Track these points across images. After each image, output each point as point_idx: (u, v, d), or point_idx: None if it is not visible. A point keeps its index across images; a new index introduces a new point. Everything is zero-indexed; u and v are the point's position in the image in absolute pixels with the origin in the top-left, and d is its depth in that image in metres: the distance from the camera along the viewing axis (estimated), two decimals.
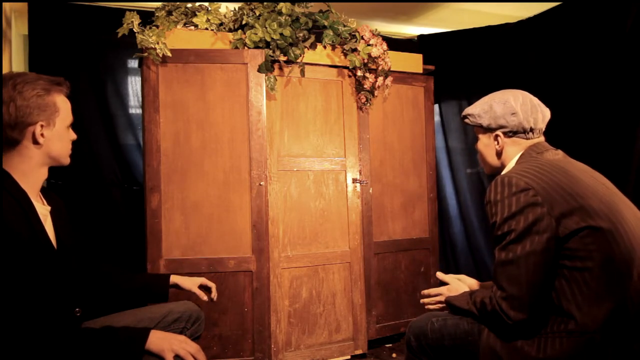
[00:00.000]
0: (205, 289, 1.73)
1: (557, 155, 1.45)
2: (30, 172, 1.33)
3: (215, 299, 1.74)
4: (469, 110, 1.55)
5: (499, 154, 1.51)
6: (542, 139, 1.51)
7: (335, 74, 2.73)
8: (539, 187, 1.28)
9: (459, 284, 1.58)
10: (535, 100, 1.50)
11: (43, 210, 1.37)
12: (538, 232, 1.25)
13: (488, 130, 1.51)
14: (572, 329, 1.23)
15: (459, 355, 1.44)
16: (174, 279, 1.68)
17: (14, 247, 1.18)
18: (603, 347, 1.22)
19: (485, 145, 1.54)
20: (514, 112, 1.45)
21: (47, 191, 1.46)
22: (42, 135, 1.32)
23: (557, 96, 3.11)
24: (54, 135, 1.34)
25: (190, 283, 1.69)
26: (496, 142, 1.50)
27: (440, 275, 1.65)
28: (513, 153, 1.48)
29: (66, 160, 1.41)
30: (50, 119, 1.33)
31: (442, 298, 1.56)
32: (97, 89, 3.17)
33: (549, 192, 1.27)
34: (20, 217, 1.24)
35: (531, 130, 1.46)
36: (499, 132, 1.48)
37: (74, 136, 1.43)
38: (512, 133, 1.47)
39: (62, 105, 1.36)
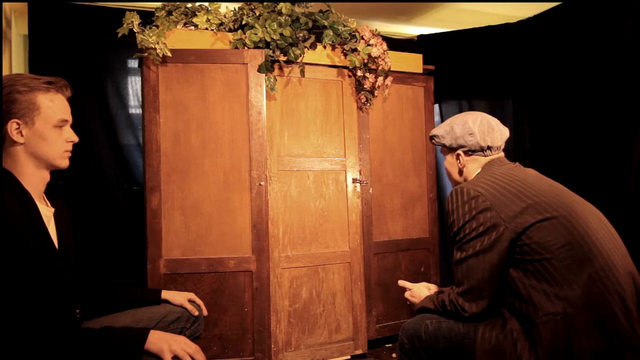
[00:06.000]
0: (194, 304, 1.73)
1: (511, 166, 1.59)
2: (25, 173, 1.33)
3: (205, 314, 1.75)
4: (434, 131, 1.71)
5: (461, 171, 1.67)
6: (501, 155, 1.65)
7: (335, 74, 2.73)
8: (487, 194, 1.43)
9: (421, 288, 1.73)
10: (494, 120, 1.65)
11: (47, 212, 1.37)
12: (488, 233, 1.40)
13: (451, 149, 1.67)
14: (547, 316, 1.31)
15: (453, 358, 1.45)
16: (165, 294, 1.69)
17: (16, 246, 1.19)
18: (578, 328, 1.28)
19: (450, 163, 1.70)
20: (471, 133, 1.60)
21: (52, 194, 1.46)
22: (20, 133, 1.30)
23: (557, 96, 3.11)
24: (34, 134, 1.32)
25: (181, 298, 1.69)
26: (458, 161, 1.66)
27: (402, 283, 1.80)
28: (473, 170, 1.63)
29: (61, 163, 1.38)
30: (28, 117, 1.30)
31: (408, 296, 1.74)
32: (97, 89, 3.16)
33: (497, 197, 1.42)
34: (23, 217, 1.25)
35: (488, 148, 1.61)
36: (459, 152, 1.64)
37: (71, 138, 1.39)
38: (471, 152, 1.63)
39: (45, 104, 1.33)
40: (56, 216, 1.41)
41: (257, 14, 2.53)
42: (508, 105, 3.50)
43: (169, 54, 2.35)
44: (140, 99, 3.09)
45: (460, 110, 3.69)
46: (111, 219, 3.16)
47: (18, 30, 3.13)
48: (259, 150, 2.50)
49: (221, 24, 2.56)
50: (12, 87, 1.29)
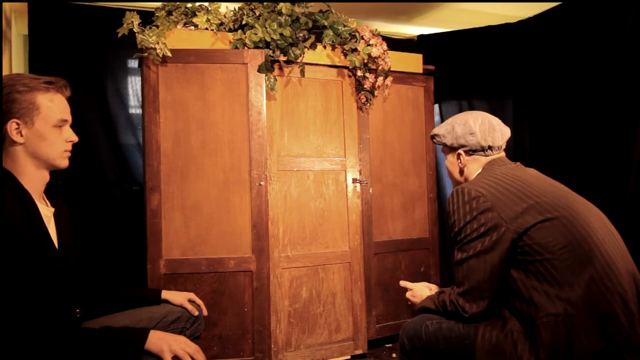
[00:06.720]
0: (194, 304, 1.73)
1: (512, 166, 1.59)
2: (25, 173, 1.32)
3: (205, 314, 1.75)
4: (435, 130, 1.71)
5: (462, 171, 1.67)
6: (502, 155, 1.64)
7: (335, 74, 2.73)
8: (489, 194, 1.43)
9: (422, 289, 1.73)
10: (495, 120, 1.65)
11: (47, 212, 1.37)
12: (489, 233, 1.39)
13: (452, 149, 1.67)
14: (547, 317, 1.31)
15: (453, 358, 1.45)
16: (165, 294, 1.68)
17: (16, 246, 1.19)
18: (579, 328, 1.28)
19: (451, 162, 1.70)
20: (472, 132, 1.60)
21: (52, 194, 1.46)
22: (19, 133, 1.30)
23: (557, 96, 3.11)
24: (34, 134, 1.32)
25: (182, 298, 1.69)
26: (459, 160, 1.66)
27: (403, 283, 1.79)
28: (474, 169, 1.63)
29: (60, 163, 1.38)
30: (28, 117, 1.30)
31: (409, 296, 1.73)
32: (97, 89, 3.17)
33: (499, 197, 1.42)
34: (23, 217, 1.25)
35: (489, 148, 1.61)
36: (460, 151, 1.64)
37: (70, 138, 1.39)
38: (472, 151, 1.62)
39: (45, 104, 1.33)
40: (56, 216, 1.41)
41: (257, 14, 2.53)
42: (508, 105, 3.50)
43: (169, 54, 2.35)
44: (140, 99, 3.09)
45: (460, 110, 3.69)
46: (111, 219, 3.16)
47: (18, 30, 3.13)
48: (259, 150, 2.50)
49: (221, 24, 2.56)
50: (12, 87, 1.29)
